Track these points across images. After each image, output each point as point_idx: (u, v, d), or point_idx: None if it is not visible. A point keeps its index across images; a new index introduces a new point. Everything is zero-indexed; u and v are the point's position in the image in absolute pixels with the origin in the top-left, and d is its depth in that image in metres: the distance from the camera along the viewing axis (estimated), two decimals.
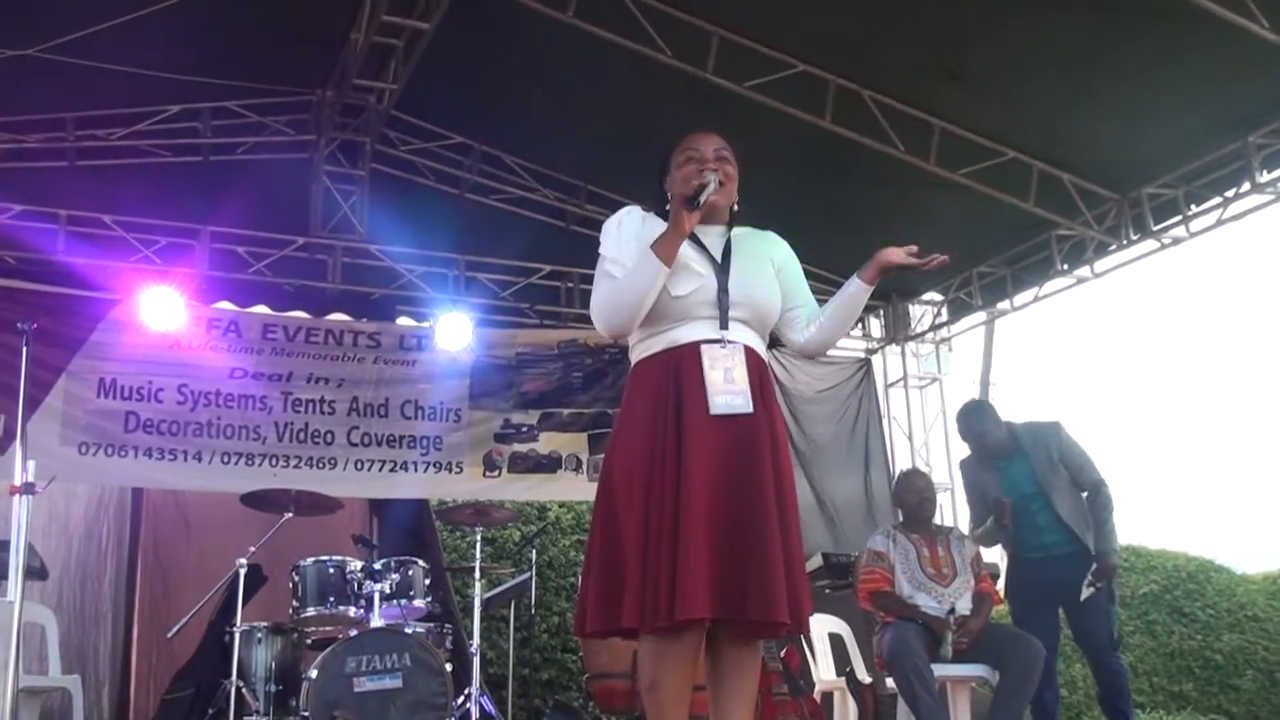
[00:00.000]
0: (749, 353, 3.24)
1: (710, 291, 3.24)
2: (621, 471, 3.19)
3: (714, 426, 3.13)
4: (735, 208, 3.43)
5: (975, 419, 6.52)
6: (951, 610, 5.68)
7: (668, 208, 3.38)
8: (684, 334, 3.23)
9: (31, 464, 3.80)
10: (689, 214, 3.20)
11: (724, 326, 3.23)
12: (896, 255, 3.38)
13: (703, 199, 3.21)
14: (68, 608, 7.57)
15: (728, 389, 3.16)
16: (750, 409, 3.16)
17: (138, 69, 7.11)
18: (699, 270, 3.26)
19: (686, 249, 3.28)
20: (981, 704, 5.96)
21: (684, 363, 3.19)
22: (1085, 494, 6.23)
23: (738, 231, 3.42)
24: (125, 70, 7.06)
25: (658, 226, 3.33)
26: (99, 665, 7.56)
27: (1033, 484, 6.22)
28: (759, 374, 3.25)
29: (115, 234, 7.77)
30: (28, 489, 3.76)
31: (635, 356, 3.34)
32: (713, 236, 3.37)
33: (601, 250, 3.35)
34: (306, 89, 8.02)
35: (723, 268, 3.29)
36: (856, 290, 3.38)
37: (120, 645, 7.65)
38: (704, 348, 3.19)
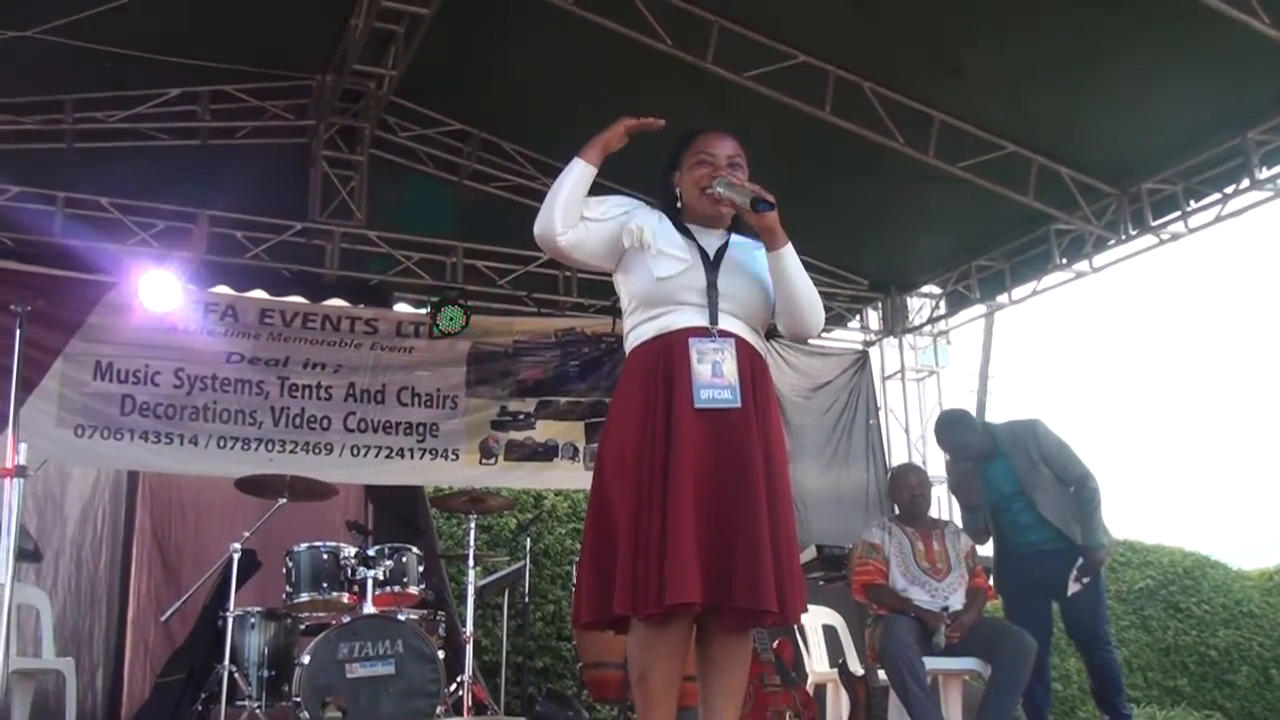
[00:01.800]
0: (741, 345, 3.24)
1: (698, 280, 3.26)
2: (613, 461, 3.22)
3: (701, 419, 3.14)
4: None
5: (954, 430, 6.52)
6: (945, 609, 5.70)
7: (678, 205, 3.43)
8: (675, 320, 3.24)
9: (24, 447, 3.81)
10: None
11: (714, 320, 3.23)
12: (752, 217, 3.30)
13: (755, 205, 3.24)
14: (63, 590, 7.58)
15: (714, 383, 3.16)
16: (738, 403, 3.16)
17: (137, 51, 7.11)
18: (681, 255, 3.27)
19: (674, 237, 3.32)
20: (973, 697, 5.97)
21: (674, 351, 3.20)
22: (1072, 489, 6.23)
23: (738, 239, 3.42)
24: (124, 52, 7.07)
25: (654, 214, 3.38)
26: (93, 648, 7.56)
27: (1013, 484, 6.23)
28: (751, 367, 3.25)
29: (113, 217, 7.75)
30: (20, 472, 3.77)
31: (629, 345, 3.36)
32: (712, 239, 3.38)
33: None
34: (306, 74, 8.03)
35: (714, 264, 3.30)
36: (770, 261, 3.32)
37: (115, 628, 7.65)
38: (691, 340, 3.19)
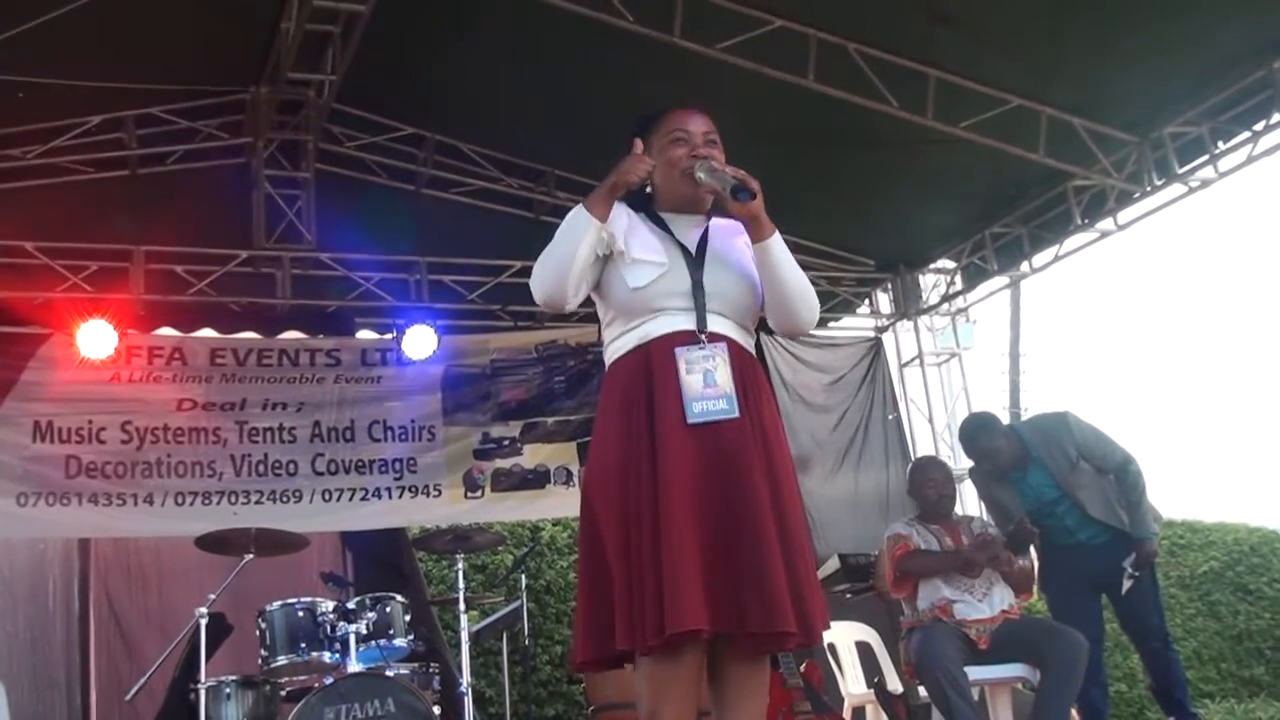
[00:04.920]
0: (732, 348, 3.22)
1: (680, 283, 3.23)
2: (598, 487, 3.20)
3: (693, 433, 3.11)
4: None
5: (983, 437, 6.48)
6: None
7: (648, 190, 3.39)
8: (656, 328, 3.21)
9: None
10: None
11: (702, 324, 3.21)
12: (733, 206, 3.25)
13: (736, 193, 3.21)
14: (19, 675, 7.57)
15: (706, 394, 3.13)
16: (735, 413, 3.13)
17: (50, 79, 7.09)
18: (657, 260, 3.24)
19: (649, 238, 3.30)
20: (1025, 706, 5.96)
21: (655, 360, 3.18)
22: (1112, 476, 6.22)
23: (718, 223, 3.40)
24: (36, 81, 7.04)
25: (623, 210, 3.34)
26: None
27: (1055, 489, 6.24)
28: (744, 372, 3.22)
29: (40, 262, 7.73)
30: None
31: (609, 358, 3.34)
32: (690, 228, 3.36)
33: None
34: (238, 87, 7.98)
35: (697, 261, 3.27)
36: (756, 253, 3.29)
37: (78, 712, 7.64)
38: (678, 351, 3.17)
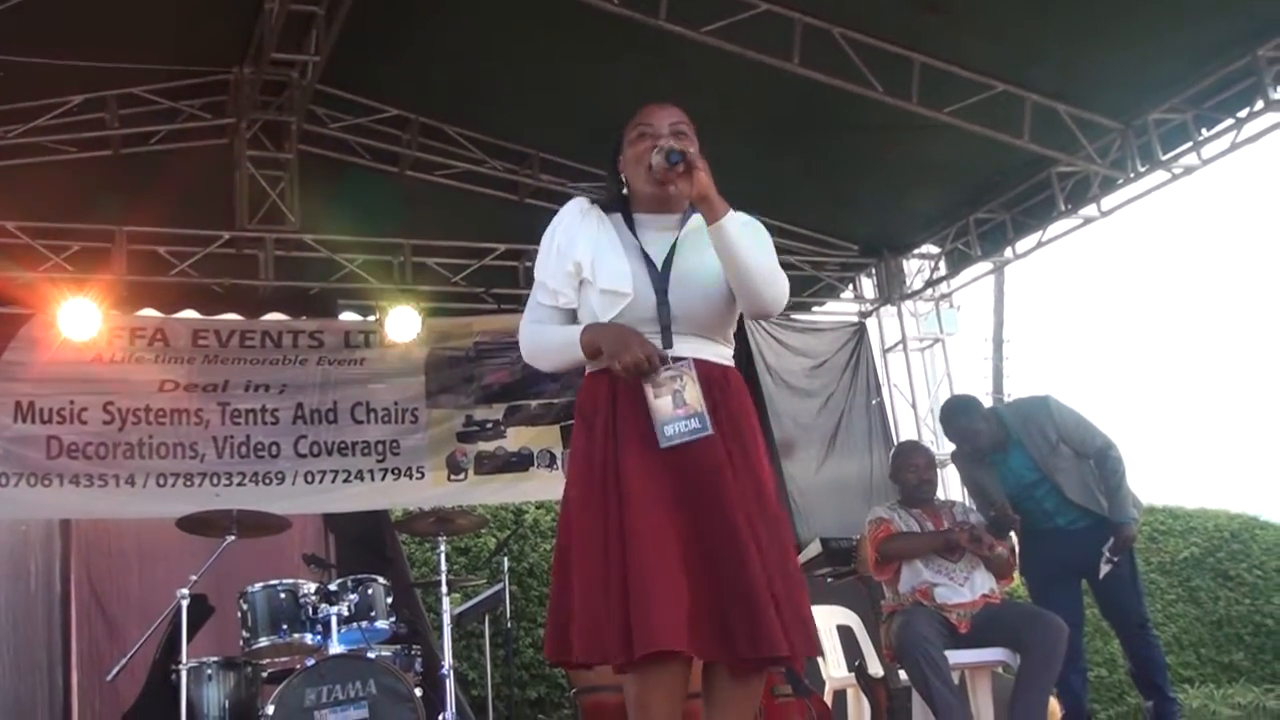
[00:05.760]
0: (700, 365, 3.16)
1: (645, 309, 3.18)
2: (576, 502, 3.19)
3: (664, 457, 3.08)
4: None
5: (963, 419, 6.53)
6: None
7: (624, 191, 3.34)
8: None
9: None
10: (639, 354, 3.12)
11: (667, 344, 3.16)
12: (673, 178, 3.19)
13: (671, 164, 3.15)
14: (1, 656, 7.56)
15: (678, 415, 3.09)
16: (709, 430, 3.09)
17: (31, 58, 7.04)
18: (622, 289, 3.18)
19: (616, 261, 3.23)
20: (1005, 690, 5.98)
21: (620, 388, 3.15)
22: (1092, 461, 6.25)
23: (693, 224, 3.31)
24: (17, 60, 7.00)
25: (593, 223, 3.30)
26: (36, 717, 7.54)
27: (1034, 471, 6.26)
28: (711, 386, 3.17)
29: (21, 242, 7.71)
30: None
31: (587, 367, 3.33)
32: (663, 232, 3.31)
33: (535, 264, 3.36)
34: (221, 67, 7.96)
35: (663, 274, 3.22)
36: (711, 236, 3.19)
37: (60, 692, 7.65)
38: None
